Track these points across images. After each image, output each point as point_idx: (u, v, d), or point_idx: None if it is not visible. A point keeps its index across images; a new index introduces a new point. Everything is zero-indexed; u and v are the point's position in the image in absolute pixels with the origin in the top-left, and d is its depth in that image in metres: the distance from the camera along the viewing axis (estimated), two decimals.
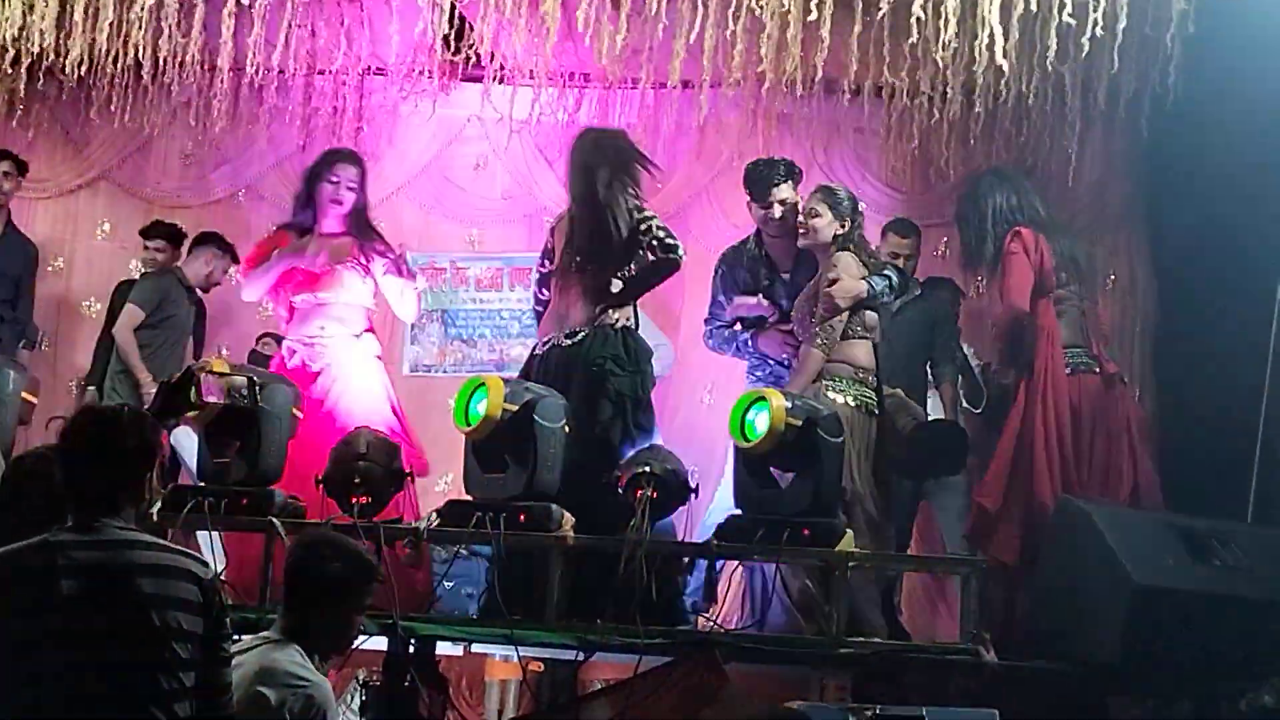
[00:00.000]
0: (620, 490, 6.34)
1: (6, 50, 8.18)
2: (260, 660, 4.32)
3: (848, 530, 6.22)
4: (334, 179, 7.52)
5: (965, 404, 8.15)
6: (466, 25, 8.21)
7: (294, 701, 4.27)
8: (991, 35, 7.01)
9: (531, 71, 8.43)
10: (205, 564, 3.82)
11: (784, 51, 7.57)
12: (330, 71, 8.97)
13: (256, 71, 8.42)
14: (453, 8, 8.23)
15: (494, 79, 8.70)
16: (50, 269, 9.38)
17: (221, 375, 5.55)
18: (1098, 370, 7.31)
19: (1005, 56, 7.14)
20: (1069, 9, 6.95)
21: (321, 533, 5.23)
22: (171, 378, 4.71)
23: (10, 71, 8.42)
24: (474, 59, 8.26)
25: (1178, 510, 6.93)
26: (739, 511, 6.41)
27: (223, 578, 5.37)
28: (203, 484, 6.54)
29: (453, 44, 8.32)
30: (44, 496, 4.01)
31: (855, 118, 8.99)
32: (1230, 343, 7.55)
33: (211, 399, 5.30)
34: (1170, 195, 8.49)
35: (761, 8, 7.36)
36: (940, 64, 7.53)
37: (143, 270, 8.94)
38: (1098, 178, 8.82)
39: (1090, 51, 7.17)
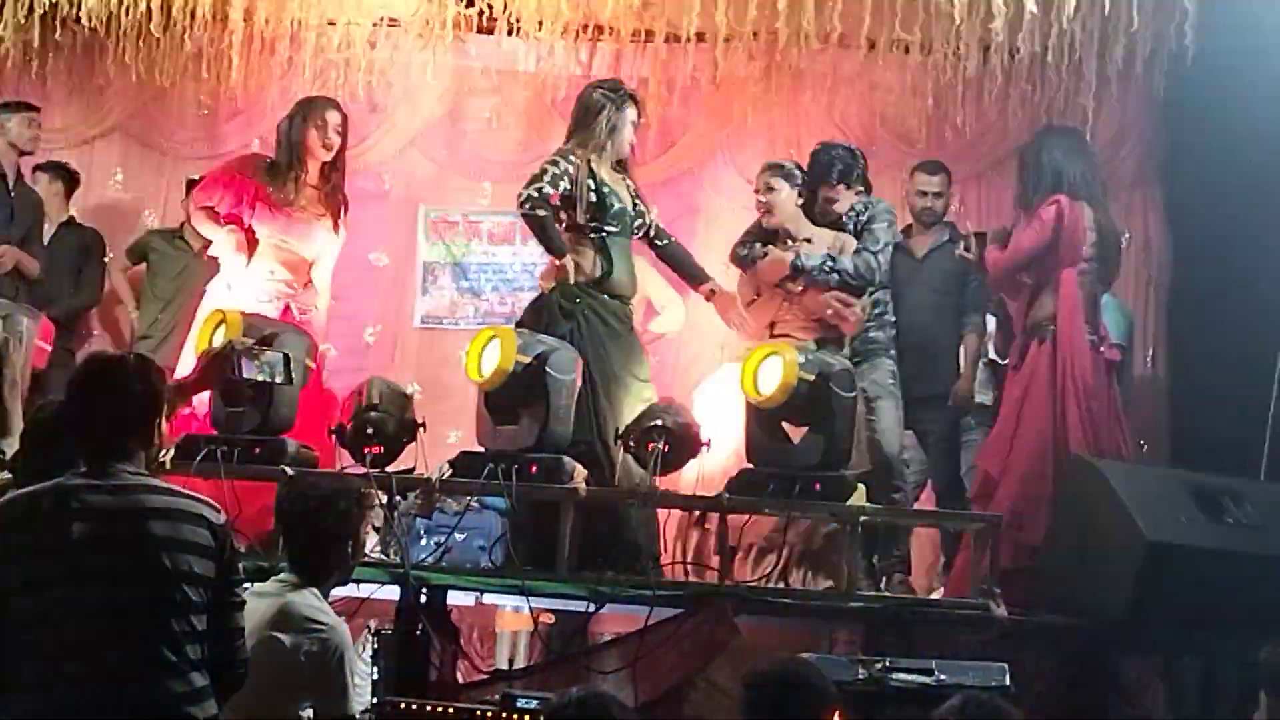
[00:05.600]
0: (632, 444, 6.35)
1: (19, 1, 8.16)
2: (277, 604, 4.37)
3: (859, 485, 6.23)
4: (321, 123, 7.41)
5: (993, 354, 8.15)
6: None
7: (310, 645, 4.31)
8: None
9: (544, 24, 8.38)
10: (217, 509, 3.84)
11: (799, 6, 7.53)
12: (343, 23, 8.91)
13: (269, 23, 8.40)
14: None
15: (507, 31, 8.65)
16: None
17: (260, 353, 5.58)
18: (1101, 350, 7.36)
19: (1021, 13, 7.12)
20: None
21: (302, 479, 5.29)
22: (210, 351, 4.72)
23: (25, 22, 8.40)
24: (487, 10, 8.20)
25: (1191, 468, 6.92)
26: (750, 465, 6.41)
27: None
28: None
29: None
30: (65, 443, 4.01)
31: (870, 73, 8.96)
32: (1244, 301, 7.53)
33: (249, 376, 5.34)
34: (1186, 154, 8.46)
35: None
36: (955, 20, 7.49)
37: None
38: (1113, 136, 8.79)
39: (1108, 9, 7.13)
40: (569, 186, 6.67)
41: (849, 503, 6.17)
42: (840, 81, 9.09)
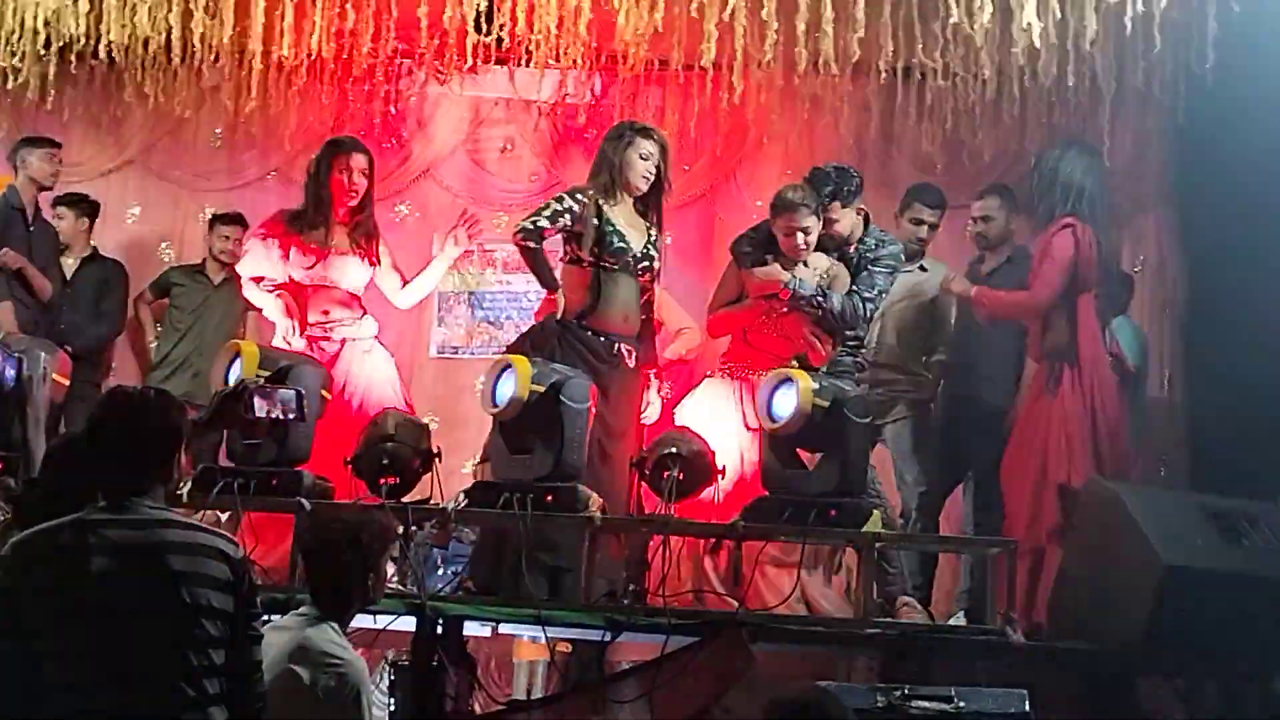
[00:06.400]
0: (647, 471, 6.35)
1: (39, 34, 8.21)
2: (295, 638, 4.38)
3: (875, 510, 6.22)
4: (345, 168, 7.42)
5: None
6: (495, 7, 8.18)
7: (327, 680, 4.31)
8: (1027, 19, 6.98)
9: (560, 54, 8.40)
10: (235, 543, 3.87)
11: (817, 32, 7.53)
12: (359, 54, 8.94)
13: (288, 54, 8.43)
14: None
15: (522, 61, 8.68)
16: None
17: (273, 391, 5.60)
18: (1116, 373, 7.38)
19: (1041, 38, 7.11)
20: None
21: (328, 514, 5.29)
22: (225, 389, 4.74)
23: (43, 55, 8.45)
24: (503, 41, 8.23)
25: (1208, 491, 6.89)
26: (765, 492, 6.40)
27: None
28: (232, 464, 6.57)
29: (482, 26, 8.29)
30: (78, 476, 4.03)
31: (886, 98, 8.96)
32: (1261, 323, 7.50)
33: (262, 415, 5.36)
34: (1202, 176, 8.43)
35: None
36: (978, 43, 7.48)
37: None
38: (1129, 158, 8.76)
39: (1129, 31, 7.13)
40: (570, 222, 6.77)
41: (865, 529, 6.17)
42: (856, 107, 9.09)
